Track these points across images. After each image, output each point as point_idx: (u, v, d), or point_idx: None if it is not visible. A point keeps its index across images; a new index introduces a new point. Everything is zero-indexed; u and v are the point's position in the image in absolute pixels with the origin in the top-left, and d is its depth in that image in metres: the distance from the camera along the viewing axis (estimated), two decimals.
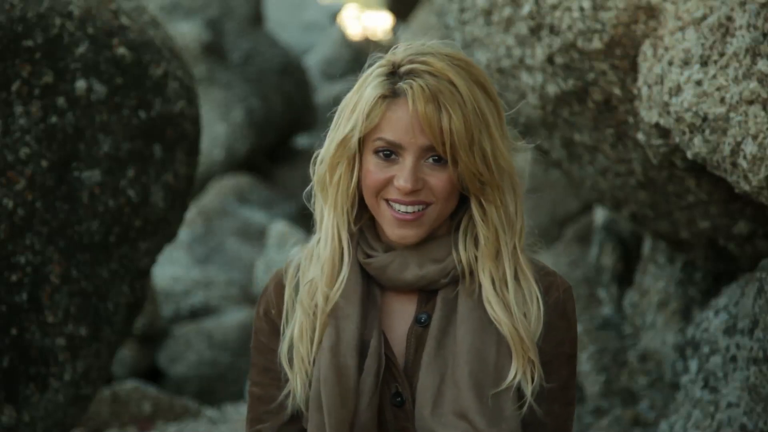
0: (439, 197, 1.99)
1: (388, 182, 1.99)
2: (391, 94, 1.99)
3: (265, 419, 2.09)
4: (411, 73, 1.98)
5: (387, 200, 2.00)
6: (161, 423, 4.72)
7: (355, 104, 2.01)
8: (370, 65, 2.04)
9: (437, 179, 1.99)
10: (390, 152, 1.99)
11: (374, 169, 2.00)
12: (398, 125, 1.98)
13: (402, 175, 1.98)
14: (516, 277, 2.02)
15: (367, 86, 2.01)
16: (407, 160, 1.98)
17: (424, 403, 1.98)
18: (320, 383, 2.00)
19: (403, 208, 1.99)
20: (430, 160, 1.98)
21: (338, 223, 2.04)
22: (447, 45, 2.03)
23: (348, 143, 2.01)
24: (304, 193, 2.12)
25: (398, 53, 2.02)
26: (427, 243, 2.04)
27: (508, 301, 1.99)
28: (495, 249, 2.01)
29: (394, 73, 2.00)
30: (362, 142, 2.02)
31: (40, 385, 3.10)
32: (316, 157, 2.09)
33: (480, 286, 2.01)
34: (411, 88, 1.96)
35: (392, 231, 2.00)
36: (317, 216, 2.08)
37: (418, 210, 1.99)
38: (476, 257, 2.02)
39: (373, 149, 2.00)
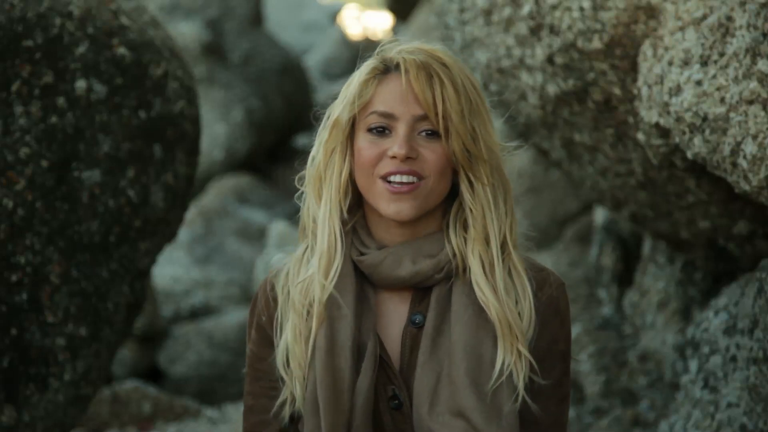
0: (432, 171, 1.99)
1: (382, 156, 1.99)
2: (382, 70, 2.02)
3: (258, 430, 2.08)
4: (402, 52, 2.02)
5: (382, 177, 1.99)
6: (161, 423, 4.73)
7: (346, 91, 2.04)
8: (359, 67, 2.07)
9: (430, 151, 1.99)
10: (383, 128, 2.00)
11: (367, 145, 2.00)
12: (391, 96, 2.00)
13: (396, 142, 1.98)
14: (509, 274, 2.01)
15: (358, 75, 2.04)
16: (400, 130, 1.99)
17: (421, 403, 1.97)
18: (316, 385, 1.98)
19: (398, 178, 1.98)
20: (423, 133, 2.00)
21: (332, 214, 2.03)
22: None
23: (342, 124, 2.02)
24: (296, 195, 2.11)
25: (386, 49, 2.06)
26: (420, 239, 2.03)
27: (497, 286, 1.99)
28: (483, 231, 2.01)
29: (384, 60, 2.04)
30: (355, 125, 2.03)
31: (40, 385, 3.10)
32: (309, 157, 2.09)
33: (470, 272, 2.00)
34: (404, 59, 2.00)
35: (387, 207, 1.99)
36: (307, 220, 2.07)
37: (413, 181, 1.98)
38: (465, 240, 2.01)
39: (366, 127, 2.01)
